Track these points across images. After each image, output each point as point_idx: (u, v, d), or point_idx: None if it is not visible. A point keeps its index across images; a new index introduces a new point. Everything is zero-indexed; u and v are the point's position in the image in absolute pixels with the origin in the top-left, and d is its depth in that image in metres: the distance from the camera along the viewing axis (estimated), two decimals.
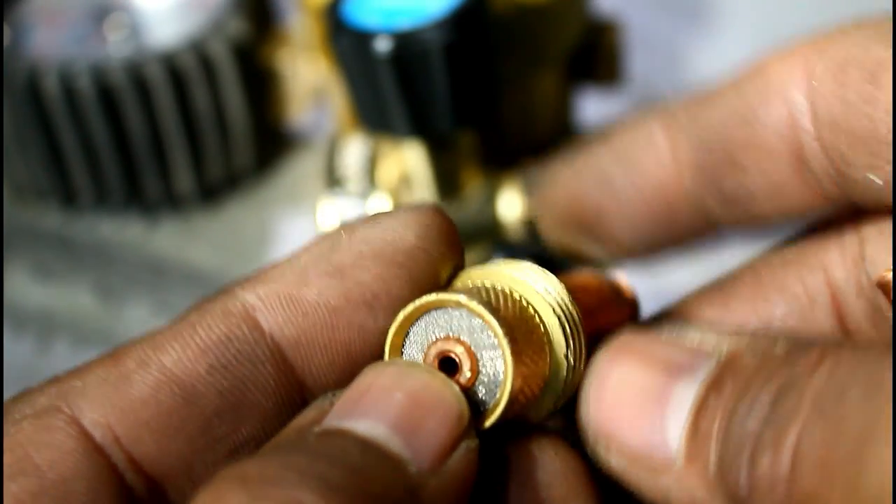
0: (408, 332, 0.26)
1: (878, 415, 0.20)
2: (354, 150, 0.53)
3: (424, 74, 0.44)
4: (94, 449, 0.24)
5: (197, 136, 0.59)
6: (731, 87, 0.30)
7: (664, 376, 0.25)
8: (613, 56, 0.57)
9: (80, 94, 0.56)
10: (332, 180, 0.53)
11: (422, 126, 0.45)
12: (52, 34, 0.59)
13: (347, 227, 0.27)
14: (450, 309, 0.26)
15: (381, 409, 0.24)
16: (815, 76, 0.28)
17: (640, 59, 0.62)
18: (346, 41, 0.45)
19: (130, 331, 0.59)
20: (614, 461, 0.25)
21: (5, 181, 0.63)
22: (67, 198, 0.61)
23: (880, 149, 0.27)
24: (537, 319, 0.27)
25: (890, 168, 0.27)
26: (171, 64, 0.57)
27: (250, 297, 0.26)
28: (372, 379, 0.24)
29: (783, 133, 0.29)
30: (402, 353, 0.26)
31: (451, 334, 0.26)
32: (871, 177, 0.27)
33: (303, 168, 0.63)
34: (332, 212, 0.50)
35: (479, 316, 0.26)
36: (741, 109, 0.29)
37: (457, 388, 0.25)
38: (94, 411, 0.25)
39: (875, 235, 0.29)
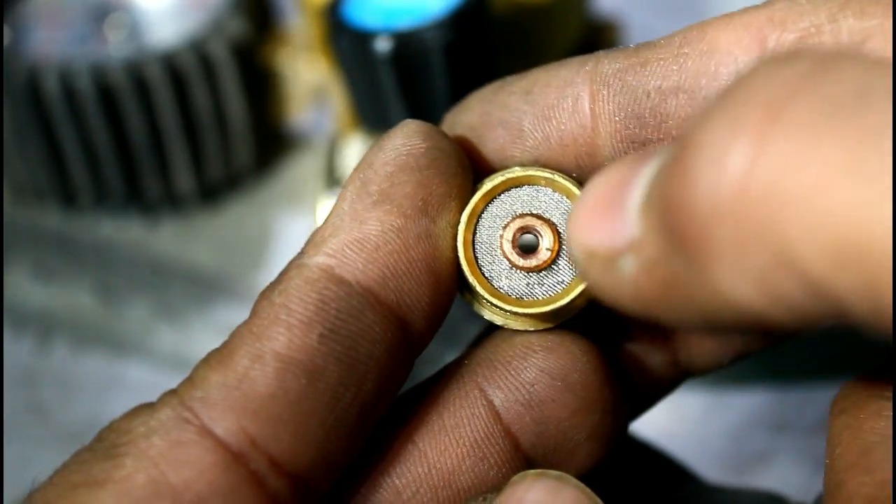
0: (478, 220, 0.27)
1: None
2: (354, 150, 0.53)
3: (424, 74, 0.44)
4: (232, 460, 0.23)
5: (197, 136, 0.59)
6: (669, 53, 0.27)
7: (631, 164, 0.23)
8: None
9: (80, 94, 0.56)
10: (332, 180, 0.53)
11: None
12: (52, 34, 0.59)
13: (360, 164, 0.26)
14: (519, 188, 0.27)
15: None
16: (769, 47, 0.26)
17: None
18: (346, 41, 0.45)
19: (130, 331, 0.59)
20: (584, 264, 0.23)
21: (5, 181, 0.63)
22: (67, 198, 0.61)
23: None
24: None
25: None
26: (170, 64, 0.57)
27: (321, 259, 0.25)
28: (521, 495, 0.24)
29: None
30: (474, 239, 0.27)
31: (531, 211, 0.27)
32: None
33: (303, 168, 0.63)
34: None
35: (564, 190, 0.27)
36: (680, 79, 0.27)
37: None
38: (224, 419, 0.23)
39: None
